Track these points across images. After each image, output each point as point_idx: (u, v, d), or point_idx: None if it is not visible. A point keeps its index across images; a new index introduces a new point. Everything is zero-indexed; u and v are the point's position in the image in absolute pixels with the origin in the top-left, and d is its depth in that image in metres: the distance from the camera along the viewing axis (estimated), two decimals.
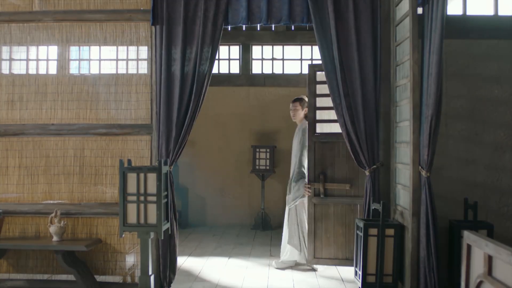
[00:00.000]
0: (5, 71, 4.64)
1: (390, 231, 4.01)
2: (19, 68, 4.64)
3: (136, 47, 4.54)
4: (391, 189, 4.46)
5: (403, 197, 4.17)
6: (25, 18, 4.54)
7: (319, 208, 5.34)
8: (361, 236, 4.06)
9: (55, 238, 4.23)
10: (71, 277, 4.34)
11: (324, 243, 5.34)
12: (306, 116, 5.32)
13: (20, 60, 4.66)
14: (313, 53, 7.95)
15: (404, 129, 4.16)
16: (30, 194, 4.52)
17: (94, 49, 4.71)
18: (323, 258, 5.31)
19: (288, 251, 5.28)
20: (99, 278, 4.46)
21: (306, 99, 5.33)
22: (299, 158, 5.28)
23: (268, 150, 7.45)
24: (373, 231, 4.01)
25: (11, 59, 4.65)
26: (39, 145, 4.52)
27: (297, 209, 5.23)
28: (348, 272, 5.01)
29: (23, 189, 4.52)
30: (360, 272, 4.06)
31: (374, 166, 4.30)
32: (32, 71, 4.64)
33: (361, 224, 4.08)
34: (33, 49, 4.66)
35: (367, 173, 4.32)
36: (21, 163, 4.53)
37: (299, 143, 5.31)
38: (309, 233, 5.39)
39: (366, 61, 4.29)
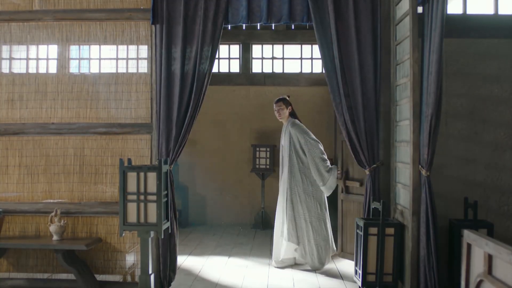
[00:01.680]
0: (5, 70, 4.64)
1: (390, 230, 4.01)
2: (19, 67, 4.64)
3: (136, 46, 4.54)
4: (391, 188, 4.46)
5: (403, 196, 4.18)
6: (25, 17, 4.54)
7: (344, 204, 5.63)
8: (361, 235, 4.06)
9: (55, 237, 4.23)
10: (71, 276, 4.34)
11: (349, 238, 5.50)
12: (291, 114, 5.34)
13: (20, 59, 4.66)
14: (313, 52, 7.94)
15: (404, 128, 4.16)
16: (30, 193, 4.52)
17: (94, 48, 4.71)
18: (348, 253, 5.46)
19: (284, 248, 5.21)
20: (99, 277, 4.47)
21: (288, 98, 5.37)
22: (313, 156, 5.12)
23: (268, 149, 7.45)
24: (373, 230, 4.01)
25: (11, 58, 4.65)
26: (39, 144, 4.52)
27: (293, 203, 5.15)
28: (349, 271, 5.01)
29: (23, 188, 4.52)
30: (360, 271, 4.06)
31: (374, 165, 4.30)
32: (32, 70, 4.64)
33: (361, 223, 4.08)
34: (33, 48, 4.66)
35: (367, 172, 4.32)
36: (21, 162, 4.53)
37: (290, 142, 5.18)
38: (338, 228, 5.66)
39: (366, 60, 4.29)
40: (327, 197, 5.31)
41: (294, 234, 5.13)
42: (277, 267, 5.20)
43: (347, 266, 5.26)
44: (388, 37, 4.46)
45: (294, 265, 5.28)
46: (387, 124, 4.51)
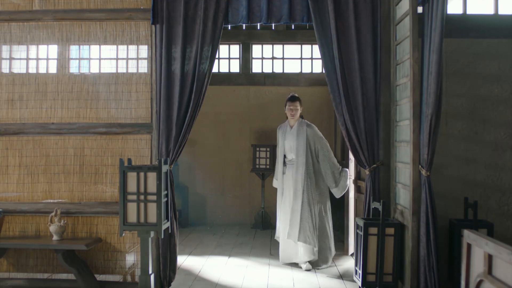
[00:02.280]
0: (5, 70, 4.64)
1: (390, 230, 4.01)
2: (19, 67, 4.64)
3: (136, 46, 4.54)
4: (391, 188, 4.46)
5: (403, 196, 4.18)
6: (25, 17, 4.54)
7: (358, 204, 5.62)
8: (361, 235, 4.06)
9: (55, 237, 4.23)
10: (71, 276, 4.34)
11: None
12: (300, 115, 5.36)
13: (20, 59, 4.66)
14: (313, 52, 7.94)
15: (404, 128, 4.16)
16: (30, 193, 4.52)
17: (94, 48, 4.71)
18: None
19: (302, 252, 5.16)
20: (99, 277, 4.47)
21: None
22: (327, 160, 5.18)
23: (268, 149, 7.44)
24: (373, 230, 4.01)
25: (11, 58, 4.65)
26: (39, 144, 4.52)
27: (309, 205, 5.12)
28: (349, 271, 5.01)
29: (23, 188, 4.52)
30: (360, 271, 4.06)
31: (374, 165, 4.30)
32: (32, 70, 4.64)
33: (361, 223, 4.08)
34: (33, 48, 4.66)
35: (367, 172, 4.32)
36: (21, 162, 4.53)
37: (306, 144, 5.15)
38: (350, 227, 5.64)
39: (366, 60, 4.28)
40: (336, 198, 5.35)
41: (311, 235, 5.09)
42: (308, 270, 5.10)
43: (347, 266, 5.27)
44: (388, 37, 4.46)
45: (294, 264, 5.29)
46: (387, 124, 4.51)
